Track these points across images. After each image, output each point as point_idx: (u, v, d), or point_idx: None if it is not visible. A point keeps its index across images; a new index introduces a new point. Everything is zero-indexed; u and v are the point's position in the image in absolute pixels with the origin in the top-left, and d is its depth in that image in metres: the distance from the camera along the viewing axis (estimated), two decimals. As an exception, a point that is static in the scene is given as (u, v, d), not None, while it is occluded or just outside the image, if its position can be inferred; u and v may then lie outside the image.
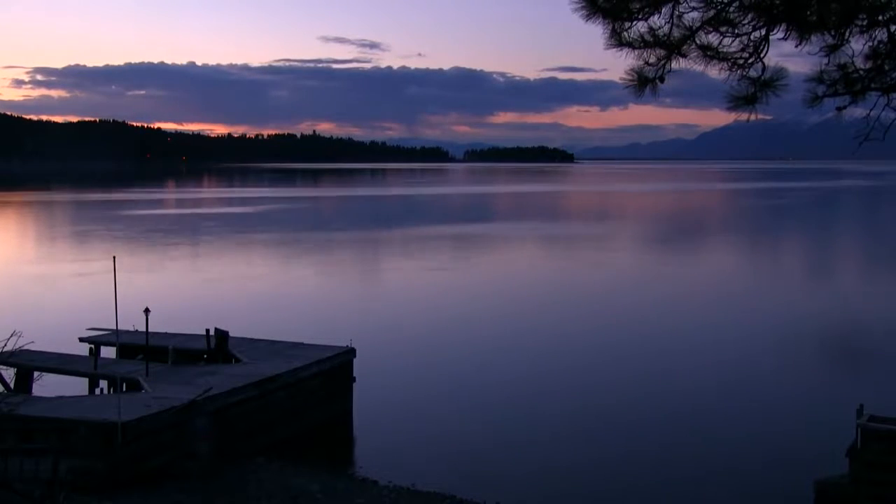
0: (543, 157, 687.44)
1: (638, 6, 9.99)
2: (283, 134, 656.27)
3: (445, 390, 29.17)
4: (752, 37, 9.97)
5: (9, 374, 24.97)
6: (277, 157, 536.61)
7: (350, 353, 26.71)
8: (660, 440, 24.13)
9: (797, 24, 9.73)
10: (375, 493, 20.03)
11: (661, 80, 10.31)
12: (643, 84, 10.37)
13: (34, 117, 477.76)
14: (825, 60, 10.44)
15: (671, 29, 10.03)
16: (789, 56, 10.33)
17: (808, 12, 9.78)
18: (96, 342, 28.37)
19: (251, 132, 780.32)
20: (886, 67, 10.35)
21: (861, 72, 10.50)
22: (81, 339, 28.90)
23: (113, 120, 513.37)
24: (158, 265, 59.55)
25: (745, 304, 45.46)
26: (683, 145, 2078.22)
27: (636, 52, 10.20)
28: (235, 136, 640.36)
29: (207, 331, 27.10)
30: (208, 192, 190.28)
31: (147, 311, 24.25)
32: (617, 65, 10.29)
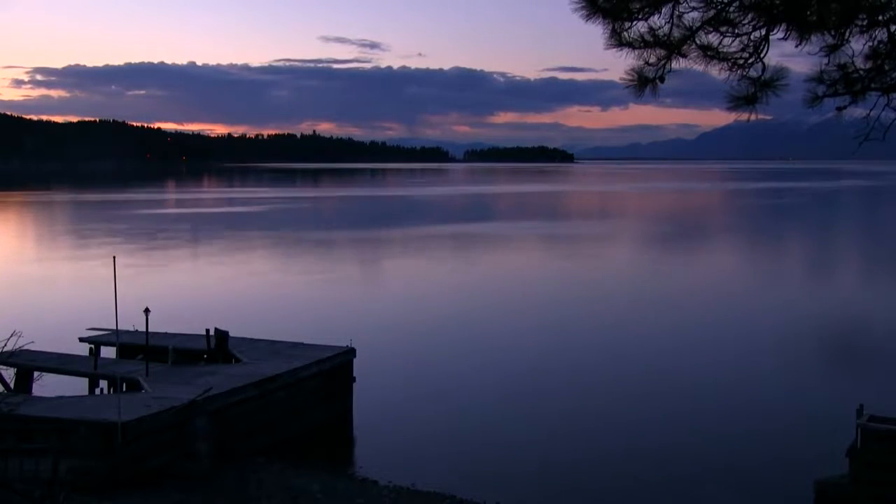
0: (543, 157, 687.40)
1: (638, 6, 9.99)
2: (283, 134, 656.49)
3: (445, 390, 29.16)
4: (752, 37, 9.97)
5: (9, 374, 24.97)
6: (277, 157, 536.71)
7: (350, 353, 26.70)
8: (659, 439, 24.13)
9: (797, 24, 9.73)
10: (375, 493, 20.03)
11: (662, 80, 10.31)
12: (643, 84, 10.38)
13: (34, 117, 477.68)
14: (825, 60, 10.44)
15: (671, 29, 10.03)
16: (790, 56, 10.34)
17: (808, 12, 9.78)
18: (96, 342, 28.37)
19: (251, 132, 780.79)
20: (886, 67, 10.35)
21: (861, 72, 10.51)
22: (81, 339, 28.90)
23: (113, 120, 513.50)
24: (158, 265, 59.55)
25: (744, 303, 45.46)
26: (683, 145, 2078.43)
27: (636, 52, 10.20)
28: (235, 136, 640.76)
29: (207, 331, 27.10)
30: (208, 191, 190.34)
31: (147, 311, 24.25)
32: (618, 65, 10.29)
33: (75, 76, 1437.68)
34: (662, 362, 32.66)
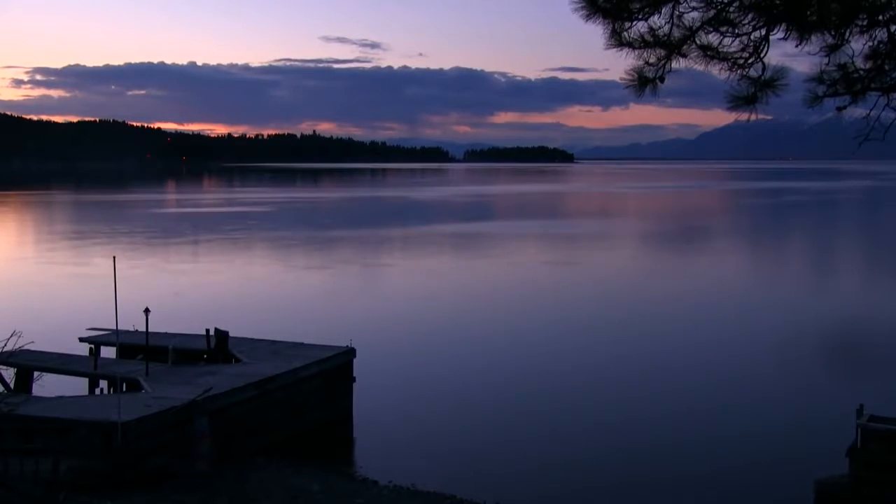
0: (543, 157, 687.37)
1: (638, 6, 10.00)
2: (284, 134, 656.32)
3: (445, 390, 29.17)
4: (752, 37, 9.98)
5: (9, 374, 24.94)
6: (277, 157, 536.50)
7: (350, 353, 26.70)
8: (659, 439, 24.12)
9: (797, 24, 9.74)
10: (375, 493, 20.03)
11: (662, 80, 10.33)
12: (643, 84, 10.39)
13: (34, 117, 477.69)
14: (825, 60, 10.45)
15: (671, 29, 10.04)
16: (790, 56, 10.34)
17: (809, 12, 9.78)
18: (96, 342, 28.36)
19: (251, 132, 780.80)
20: (886, 67, 10.36)
21: (861, 72, 10.51)
22: (81, 339, 28.90)
23: (113, 120, 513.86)
24: (158, 265, 59.55)
25: (745, 303, 45.44)
26: (683, 145, 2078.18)
27: (636, 52, 10.22)
28: (235, 136, 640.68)
29: (207, 331, 27.09)
30: (208, 191, 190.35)
31: (147, 311, 24.25)
32: (619, 64, 10.30)
33: (75, 76, 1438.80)
34: (662, 362, 32.65)
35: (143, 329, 24.97)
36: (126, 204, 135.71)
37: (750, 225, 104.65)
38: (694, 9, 9.91)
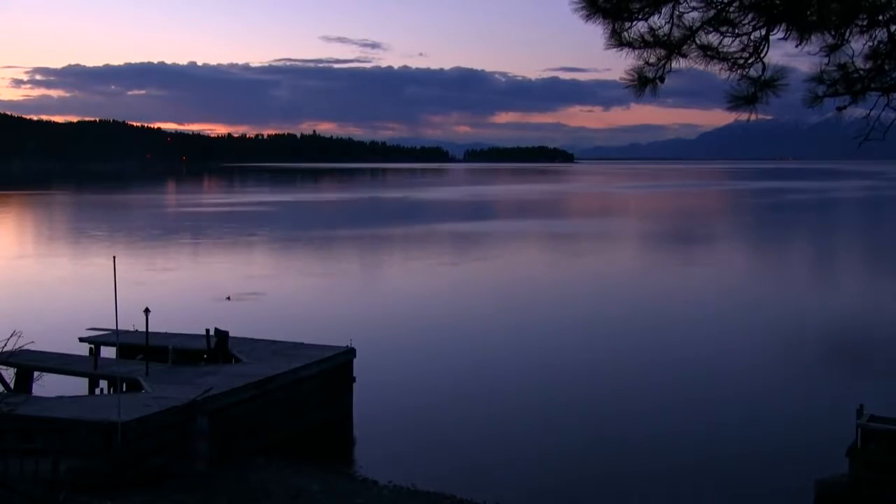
0: (543, 157, 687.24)
1: (638, 6, 10.00)
2: (284, 134, 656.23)
3: (446, 390, 29.17)
4: (752, 37, 9.97)
5: (9, 374, 24.94)
6: (278, 157, 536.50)
7: (350, 353, 26.70)
8: (659, 439, 24.13)
9: (797, 24, 9.74)
10: (375, 493, 20.04)
11: (662, 80, 10.33)
12: (643, 84, 10.39)
13: (34, 117, 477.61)
14: (825, 60, 10.45)
15: (671, 29, 10.03)
16: (790, 56, 10.34)
17: (808, 12, 9.78)
18: (96, 342, 28.37)
19: (251, 132, 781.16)
20: (886, 67, 10.36)
21: (861, 72, 10.51)
22: (81, 339, 28.90)
23: (113, 120, 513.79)
24: (158, 265, 59.56)
25: (744, 302, 45.44)
26: (684, 145, 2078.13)
27: (636, 52, 10.21)
28: (235, 136, 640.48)
29: (207, 331, 27.10)
30: (208, 192, 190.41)
31: (147, 311, 24.26)
32: (620, 64, 10.28)
33: (75, 76, 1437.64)
34: (662, 362, 32.65)
35: (143, 329, 24.98)
36: (126, 204, 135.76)
37: (749, 225, 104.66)
38: (694, 9, 9.91)
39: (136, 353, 26.50)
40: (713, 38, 10.04)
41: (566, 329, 39.33)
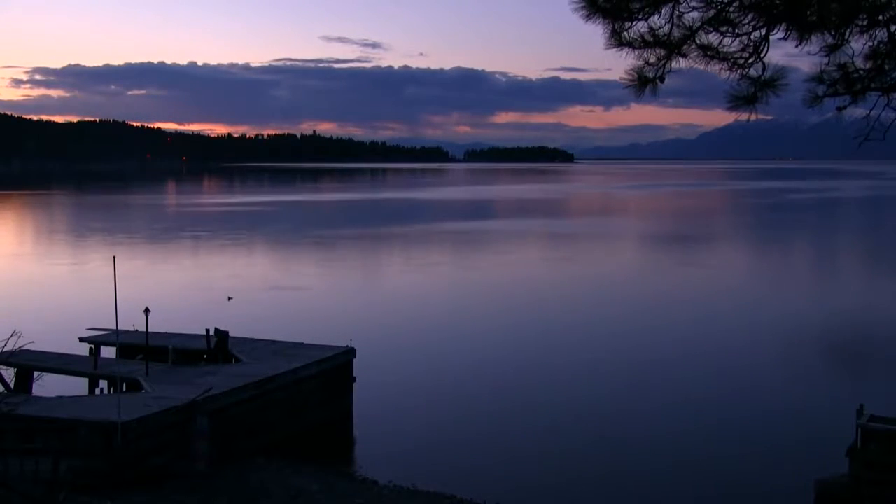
0: (543, 157, 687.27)
1: (638, 6, 10.00)
2: (284, 134, 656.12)
3: (446, 390, 29.17)
4: (752, 37, 9.97)
5: (9, 374, 24.95)
6: (278, 157, 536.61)
7: (350, 353, 26.70)
8: (659, 440, 24.13)
9: (797, 24, 9.74)
10: (375, 493, 20.04)
11: (662, 79, 10.33)
12: (643, 84, 10.38)
13: (34, 117, 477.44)
14: (825, 60, 10.44)
15: (671, 29, 10.03)
16: (790, 56, 10.34)
17: (808, 12, 9.78)
18: (96, 342, 28.37)
19: (251, 132, 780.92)
20: (886, 67, 10.36)
21: (861, 72, 10.51)
22: (81, 339, 28.90)
23: (113, 120, 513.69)
24: (158, 265, 59.56)
25: (745, 303, 45.44)
26: (683, 145, 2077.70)
27: (636, 52, 10.21)
28: (235, 136, 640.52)
29: (207, 331, 27.10)
30: (208, 192, 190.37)
31: (147, 311, 24.26)
32: (621, 64, 10.27)
33: (75, 76, 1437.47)
34: (662, 362, 32.66)
35: (143, 329, 24.98)
36: (126, 204, 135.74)
37: (750, 225, 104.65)
38: (694, 9, 9.91)
39: (136, 353, 26.50)
40: (713, 38, 10.04)
41: (566, 329, 39.32)
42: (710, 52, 10.06)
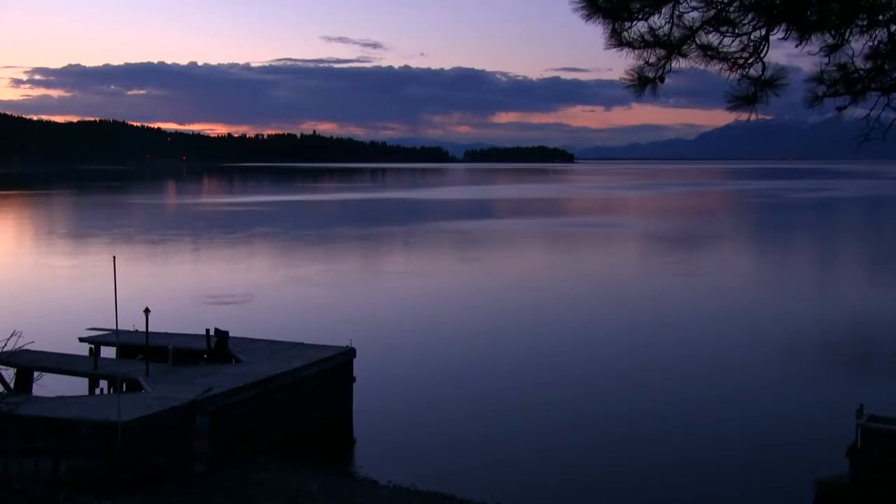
0: (543, 158, 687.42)
1: (638, 6, 10.00)
2: (284, 134, 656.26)
3: (445, 390, 29.17)
4: (752, 37, 9.97)
5: (9, 374, 24.94)
6: (278, 157, 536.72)
7: (350, 353, 26.70)
8: (660, 440, 24.13)
9: (797, 24, 9.74)
10: (375, 493, 20.04)
11: (662, 79, 10.32)
12: (643, 84, 10.38)
13: (34, 117, 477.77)
14: (825, 60, 10.45)
15: (671, 29, 10.03)
16: (790, 56, 10.34)
17: (808, 12, 9.78)
18: (96, 342, 28.37)
19: (251, 132, 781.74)
20: (886, 67, 10.36)
21: (861, 72, 10.51)
22: (81, 339, 28.91)
23: (113, 120, 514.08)
24: (158, 265, 59.56)
25: (745, 303, 45.45)
26: (683, 145, 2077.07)
27: (636, 52, 10.21)
28: (235, 136, 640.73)
29: (207, 331, 27.10)
30: (208, 192, 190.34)
31: (147, 311, 24.26)
32: (622, 64, 10.27)
33: (74, 76, 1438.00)
34: (663, 362, 32.65)
35: (143, 329, 24.98)
36: (126, 204, 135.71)
37: (750, 225, 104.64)
38: (694, 9, 9.91)
39: (136, 353, 26.51)
40: (713, 38, 10.04)
41: (566, 328, 39.33)
42: (710, 52, 10.06)
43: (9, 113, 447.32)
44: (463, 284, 52.77)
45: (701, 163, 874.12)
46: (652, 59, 10.21)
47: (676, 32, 10.00)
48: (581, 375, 30.94)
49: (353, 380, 26.74)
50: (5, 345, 15.88)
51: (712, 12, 9.86)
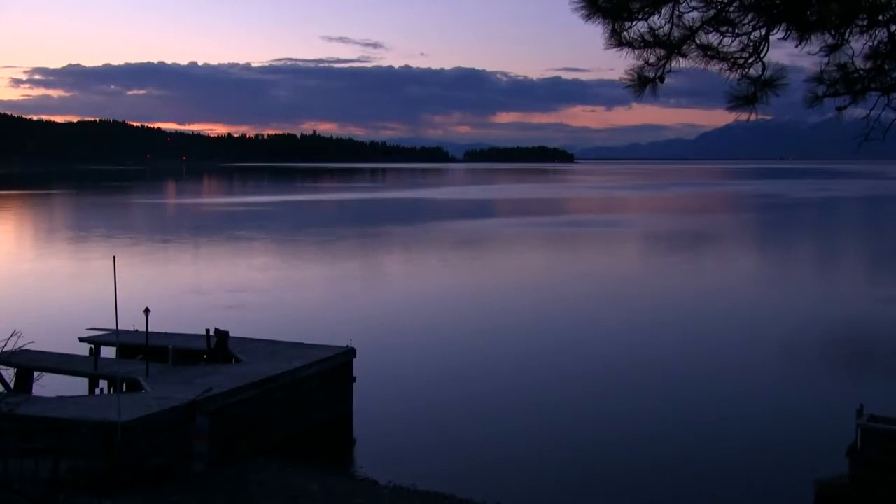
0: (543, 158, 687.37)
1: (638, 6, 9.99)
2: (284, 134, 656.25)
3: (445, 390, 29.17)
4: (752, 37, 9.97)
5: (9, 374, 24.95)
6: (278, 157, 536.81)
7: (350, 353, 26.71)
8: (660, 440, 24.13)
9: (797, 24, 9.74)
10: (375, 493, 20.04)
11: (662, 79, 10.32)
12: (643, 84, 10.38)
13: (34, 117, 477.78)
14: (825, 60, 10.45)
15: (671, 29, 10.03)
16: (790, 56, 10.34)
17: (808, 12, 9.78)
18: (96, 342, 28.38)
19: (251, 132, 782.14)
20: (886, 67, 10.36)
21: (861, 72, 10.51)
22: (81, 339, 28.92)
23: (113, 120, 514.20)
24: (158, 265, 59.56)
25: (745, 303, 45.45)
26: (683, 145, 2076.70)
27: (636, 52, 10.20)
28: (235, 136, 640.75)
29: (207, 331, 27.10)
30: (208, 192, 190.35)
31: (147, 311, 24.26)
32: (623, 64, 10.26)
33: (74, 76, 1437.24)
34: (663, 361, 32.65)
35: (143, 329, 24.98)
36: (126, 204, 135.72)
37: (750, 225, 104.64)
38: (694, 9, 9.91)
39: (136, 353, 26.51)
40: (713, 38, 10.04)
41: (566, 328, 39.33)
42: (710, 52, 10.06)
43: (9, 113, 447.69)
44: (463, 284, 52.76)
45: (701, 163, 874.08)
46: (652, 59, 10.21)
47: (676, 32, 10.00)
48: (581, 375, 30.95)
49: (353, 380, 26.74)
50: (5, 345, 15.87)
51: (712, 12, 9.86)
